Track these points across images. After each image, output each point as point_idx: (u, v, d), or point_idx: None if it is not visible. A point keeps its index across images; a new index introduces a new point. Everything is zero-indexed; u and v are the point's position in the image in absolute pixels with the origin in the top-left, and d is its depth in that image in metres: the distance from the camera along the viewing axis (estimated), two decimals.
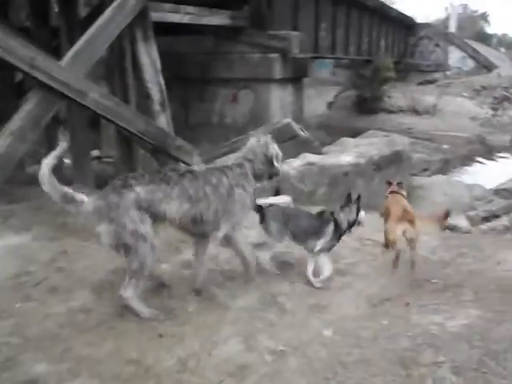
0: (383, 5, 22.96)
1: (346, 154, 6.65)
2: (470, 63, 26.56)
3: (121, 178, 3.09)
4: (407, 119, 22.28)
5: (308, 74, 11.69)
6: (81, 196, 2.97)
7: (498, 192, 6.25)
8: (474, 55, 26.40)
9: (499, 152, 18.44)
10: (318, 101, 22.95)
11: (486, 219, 5.98)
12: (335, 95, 23.71)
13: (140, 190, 2.99)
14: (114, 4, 5.50)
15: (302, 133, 7.76)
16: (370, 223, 5.77)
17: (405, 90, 23.52)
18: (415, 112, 22.58)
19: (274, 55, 10.86)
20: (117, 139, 6.77)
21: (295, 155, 7.30)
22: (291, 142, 7.67)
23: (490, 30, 56.83)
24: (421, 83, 24.81)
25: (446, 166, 8.62)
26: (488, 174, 13.46)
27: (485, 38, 45.42)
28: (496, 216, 5.96)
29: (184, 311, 3.13)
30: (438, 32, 27.16)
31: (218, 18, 10.00)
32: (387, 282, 4.12)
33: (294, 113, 10.50)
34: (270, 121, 9.54)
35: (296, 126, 7.73)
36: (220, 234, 3.29)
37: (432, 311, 3.26)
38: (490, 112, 21.05)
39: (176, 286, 3.46)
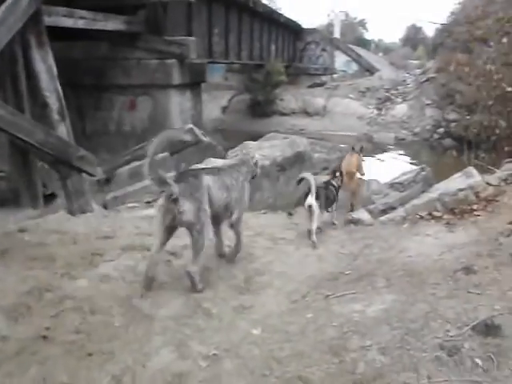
0: (273, 11, 23.78)
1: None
2: (354, 67, 28.33)
3: (190, 169, 4.09)
4: (299, 121, 23.23)
5: (205, 79, 11.79)
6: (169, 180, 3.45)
7: (393, 186, 6.74)
8: (358, 59, 28.21)
9: (386, 148, 19.88)
10: (212, 105, 23.10)
11: (384, 211, 6.42)
12: (229, 99, 24.07)
13: (207, 178, 3.70)
14: (3, 7, 5.12)
15: (204, 138, 7.79)
16: (280, 223, 5.99)
17: (296, 92, 24.50)
18: (306, 114, 23.59)
19: (172, 61, 10.84)
20: (10, 151, 6.33)
21: (199, 161, 7.32)
22: (194, 148, 7.69)
23: (367, 35, 61.07)
24: (310, 86, 25.96)
25: None
26: (379, 168, 14.52)
27: (364, 44, 48.64)
28: (393, 208, 6.42)
29: (110, 326, 3.03)
30: (324, 37, 28.63)
31: (112, 23, 9.73)
32: (303, 277, 4.32)
33: (193, 118, 10.53)
34: (171, 127, 9.47)
35: (198, 131, 7.75)
36: (234, 217, 4.16)
37: (351, 300, 3.46)
38: (375, 112, 22.62)
39: (98, 300, 3.33)
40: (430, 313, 3.03)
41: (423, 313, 3.01)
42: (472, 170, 6.44)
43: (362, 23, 64.18)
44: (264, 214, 6.45)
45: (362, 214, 5.96)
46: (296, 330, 3.07)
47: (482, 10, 14.83)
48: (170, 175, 3.60)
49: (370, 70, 27.93)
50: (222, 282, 4.03)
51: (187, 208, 3.50)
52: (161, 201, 3.58)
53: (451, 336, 2.72)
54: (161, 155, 5.80)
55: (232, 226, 4.30)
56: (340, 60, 28.28)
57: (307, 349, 2.77)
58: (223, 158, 7.52)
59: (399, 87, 25.19)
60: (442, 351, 2.59)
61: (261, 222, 6.00)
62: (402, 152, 19.53)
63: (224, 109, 23.66)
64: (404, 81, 26.67)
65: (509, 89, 6.70)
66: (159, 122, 10.35)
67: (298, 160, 6.59)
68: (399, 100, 23.43)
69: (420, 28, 67.40)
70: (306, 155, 6.81)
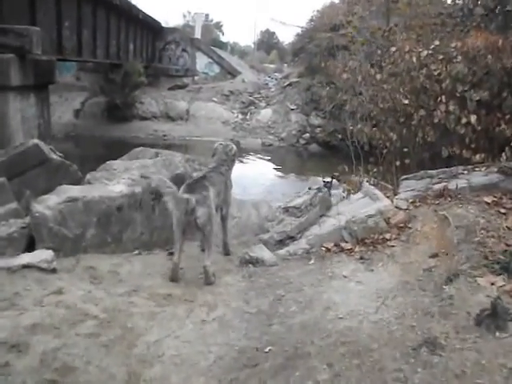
0: (131, 6, 21.76)
1: (115, 182, 5.33)
2: (216, 69, 27.51)
3: (197, 181, 4.57)
4: (162, 126, 21.74)
5: (55, 80, 9.73)
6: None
7: (288, 210, 5.79)
8: (220, 61, 27.44)
9: (252, 155, 19.32)
10: (62, 108, 20.62)
11: (281, 242, 5.46)
12: (82, 102, 21.62)
13: (211, 188, 4.46)
14: None
15: (54, 156, 6.12)
16: (159, 269, 4.67)
17: (157, 95, 22.93)
18: (169, 118, 22.19)
19: (9, 56, 8.65)
20: None
21: (47, 186, 5.69)
22: (41, 169, 5.98)
23: (223, 38, 61.18)
24: (171, 88, 24.56)
25: None
26: (249, 175, 13.77)
27: (220, 46, 48.35)
28: (291, 237, 5.49)
29: None
30: (185, 37, 27.35)
31: None
32: (209, 363, 3.14)
33: (40, 128, 8.55)
34: (10, 141, 7.47)
35: (46, 148, 6.04)
36: (224, 212, 5.01)
37: None
38: (240, 116, 22.00)
39: None
40: None
41: None
42: (374, 190, 5.77)
43: (218, 26, 64.27)
44: (138, 254, 5.09)
45: (261, 251, 4.90)
46: None
47: (343, 19, 14.92)
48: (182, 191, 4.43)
49: (232, 72, 27.36)
50: None
51: (202, 213, 4.27)
52: (177, 213, 4.28)
53: None
54: None
55: (222, 218, 5.03)
56: (201, 62, 27.25)
57: None
58: (78, 181, 5.95)
59: (262, 91, 24.99)
60: None
61: (136, 270, 4.65)
62: (268, 158, 19.12)
63: (77, 112, 21.15)
64: (266, 84, 26.60)
65: (405, 101, 6.16)
66: None
67: (178, 184, 5.33)
68: (263, 104, 23.14)
69: (273, 33, 69.57)
70: (186, 177, 5.55)
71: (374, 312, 3.49)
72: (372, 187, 5.86)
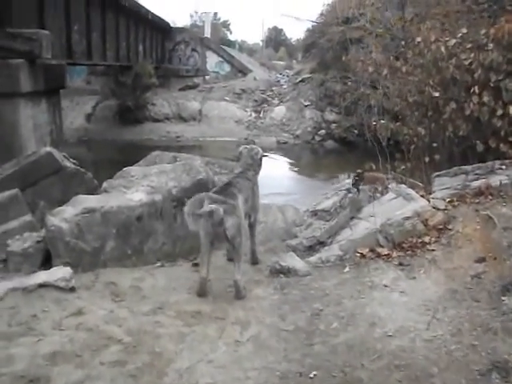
0: (140, 6, 21.45)
1: (134, 190, 5.04)
2: (227, 68, 27.18)
3: (223, 188, 4.24)
4: (174, 127, 21.48)
5: (65, 84, 9.45)
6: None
7: (316, 214, 5.46)
8: (230, 60, 27.11)
9: (269, 153, 18.97)
10: (74, 113, 20.46)
11: (310, 248, 5.13)
12: (94, 106, 21.45)
13: (239, 196, 4.16)
14: None
15: (68, 164, 5.86)
16: (185, 282, 4.38)
17: (168, 96, 22.67)
18: (181, 119, 21.93)
19: (19, 61, 8.33)
20: None
21: (62, 196, 5.45)
22: (55, 178, 5.74)
23: (231, 37, 60.87)
24: (182, 89, 24.30)
25: None
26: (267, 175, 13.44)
27: (228, 45, 48.04)
28: (321, 243, 5.16)
29: None
30: (195, 37, 27.05)
31: None
32: None
33: (52, 134, 8.28)
34: (22, 149, 7.21)
35: (59, 155, 5.79)
36: (252, 219, 4.63)
37: None
38: (254, 115, 21.67)
39: None
40: None
41: None
42: (408, 189, 5.41)
43: (226, 24, 63.97)
44: (160, 267, 4.80)
45: (292, 260, 4.58)
46: None
47: (356, 12, 14.53)
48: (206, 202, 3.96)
49: (242, 70, 27.02)
50: None
51: (231, 225, 3.92)
52: (206, 225, 3.92)
53: None
54: (8, 193, 5.09)
55: (250, 226, 4.65)
56: (212, 61, 26.93)
57: None
58: (94, 189, 5.69)
59: (274, 88, 24.62)
60: None
61: (159, 284, 4.35)
62: (284, 156, 18.77)
63: (89, 116, 20.98)
64: (278, 81, 26.22)
65: (435, 94, 5.79)
66: (5, 143, 7.65)
67: (200, 190, 5.04)
68: (276, 102, 22.77)
69: (281, 30, 69.11)
70: (209, 183, 5.25)
71: (425, 328, 3.17)
72: (404, 186, 5.50)
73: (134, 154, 15.52)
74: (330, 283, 4.20)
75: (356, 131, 17.69)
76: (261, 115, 21.69)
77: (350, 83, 12.20)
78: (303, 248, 5.13)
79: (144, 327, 3.59)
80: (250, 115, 21.74)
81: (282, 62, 43.93)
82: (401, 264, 4.36)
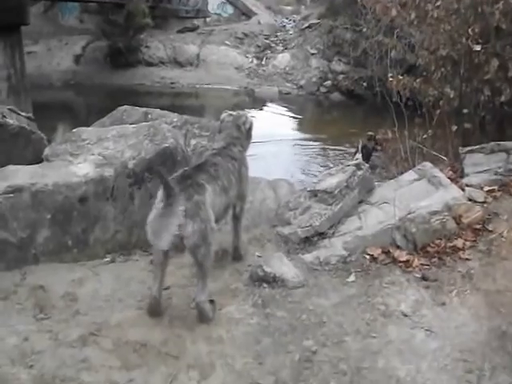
0: None
1: (82, 160, 3.88)
2: (229, 9, 25.15)
3: (189, 173, 3.00)
4: (169, 72, 19.89)
5: (26, 20, 7.84)
6: None
7: (316, 194, 4.30)
8: (233, 1, 25.03)
9: (268, 105, 17.63)
10: (61, 54, 18.91)
11: (306, 240, 4.02)
12: (84, 46, 19.77)
13: (209, 187, 2.98)
14: None
15: (10, 121, 4.67)
16: (136, 288, 3.29)
17: (164, 39, 20.93)
18: (177, 63, 20.31)
19: None
20: None
21: (4, 161, 4.30)
22: None
23: None
24: (181, 31, 22.48)
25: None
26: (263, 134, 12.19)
27: None
28: (320, 234, 4.05)
29: None
30: None
31: None
32: None
33: (10, 80, 6.93)
34: None
35: None
36: (237, 210, 3.53)
37: None
38: (255, 61, 20.03)
39: None
40: None
41: None
42: (433, 169, 4.24)
43: None
44: (110, 262, 3.71)
45: (280, 265, 3.47)
46: None
47: None
48: None
49: (246, 13, 25.02)
50: None
51: (191, 231, 2.78)
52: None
53: None
54: None
55: (235, 217, 3.58)
56: (214, 1, 24.86)
57: None
58: (41, 151, 4.52)
59: (279, 34, 22.80)
60: None
61: (102, 291, 3.29)
62: (285, 108, 17.38)
63: (78, 58, 19.35)
64: (283, 26, 24.34)
65: (477, 47, 4.51)
66: None
67: (166, 162, 3.91)
68: (280, 48, 21.05)
69: None
70: (177, 153, 4.08)
71: None
72: (430, 165, 4.32)
73: (124, 99, 14.22)
74: (329, 302, 3.13)
75: (365, 84, 16.25)
76: (263, 62, 20.04)
77: (364, 29, 10.76)
78: (297, 240, 4.04)
79: (63, 371, 2.55)
80: (252, 62, 20.09)
81: (289, 7, 41.38)
82: (424, 278, 3.28)
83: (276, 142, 11.49)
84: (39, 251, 3.53)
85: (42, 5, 21.26)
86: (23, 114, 5.48)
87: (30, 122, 5.64)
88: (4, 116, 4.67)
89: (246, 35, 21.28)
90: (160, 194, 2.83)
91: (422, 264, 3.41)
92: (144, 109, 5.53)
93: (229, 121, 3.55)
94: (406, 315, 2.88)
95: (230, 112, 3.67)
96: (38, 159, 4.42)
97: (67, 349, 2.73)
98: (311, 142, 11.81)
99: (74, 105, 17.38)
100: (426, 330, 2.71)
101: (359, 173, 4.37)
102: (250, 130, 3.59)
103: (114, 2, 18.40)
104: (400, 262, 3.47)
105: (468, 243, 3.49)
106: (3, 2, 6.80)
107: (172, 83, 18.87)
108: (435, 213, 3.60)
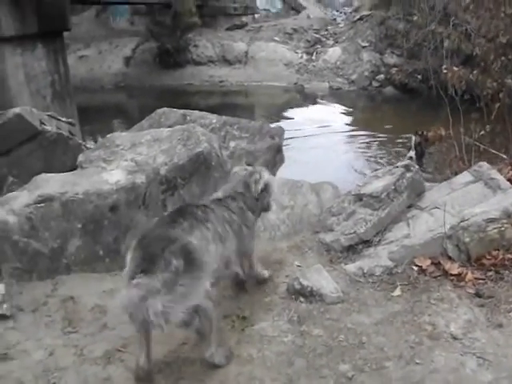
0: None
1: (113, 167, 3.77)
2: (278, 5, 24.85)
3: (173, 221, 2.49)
4: (218, 71, 19.85)
5: (68, 25, 7.83)
6: None
7: (361, 198, 4.01)
8: None
9: (318, 101, 17.24)
10: (112, 57, 19.27)
11: (350, 249, 3.76)
12: (133, 48, 20.07)
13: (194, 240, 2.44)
14: None
15: (48, 127, 4.68)
16: None
17: (212, 37, 20.92)
18: (226, 62, 20.23)
19: None
20: None
21: (44, 166, 4.37)
22: (32, 145, 4.60)
23: None
24: (229, 29, 22.43)
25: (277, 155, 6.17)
26: (311, 130, 11.89)
27: None
28: (365, 242, 3.77)
29: None
30: None
31: None
32: None
33: (54, 85, 7.00)
34: (12, 104, 6.05)
35: (35, 117, 4.60)
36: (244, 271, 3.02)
37: None
38: (305, 57, 19.62)
39: None
40: None
41: None
42: (490, 170, 3.86)
43: None
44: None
45: (318, 278, 3.23)
46: None
47: None
48: None
49: (295, 8, 24.63)
50: None
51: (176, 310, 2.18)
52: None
53: None
54: None
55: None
56: None
57: None
58: (79, 152, 4.51)
59: (329, 27, 22.28)
60: None
61: None
62: (336, 104, 16.92)
63: (128, 60, 19.69)
64: (334, 20, 23.81)
65: None
66: None
67: (200, 168, 3.74)
68: (331, 42, 20.54)
69: None
70: (212, 158, 3.91)
71: None
72: (487, 165, 3.93)
73: (173, 100, 14.30)
74: (370, 320, 2.86)
75: (419, 77, 15.53)
76: (313, 57, 19.60)
77: (415, 18, 10.20)
78: (340, 248, 3.79)
79: None
80: (301, 57, 19.70)
81: None
82: (478, 294, 2.95)
83: (325, 136, 11.21)
84: (71, 261, 3.47)
85: (94, 9, 21.79)
86: (63, 119, 5.51)
87: (72, 127, 5.68)
88: (43, 123, 4.69)
89: (295, 30, 20.94)
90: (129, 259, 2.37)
91: (476, 278, 3.08)
92: (182, 111, 5.41)
93: (239, 175, 3.14)
94: (455, 338, 2.58)
95: (246, 167, 3.31)
96: (76, 166, 4.41)
97: (91, 366, 2.63)
98: (362, 139, 11.36)
99: (124, 107, 17.66)
100: (479, 357, 2.40)
101: (408, 175, 4.06)
102: (264, 190, 3.04)
103: (162, 3, 18.51)
104: (451, 275, 3.16)
105: None
106: (45, 10, 6.84)
107: (221, 82, 18.83)
108: (492, 220, 3.24)
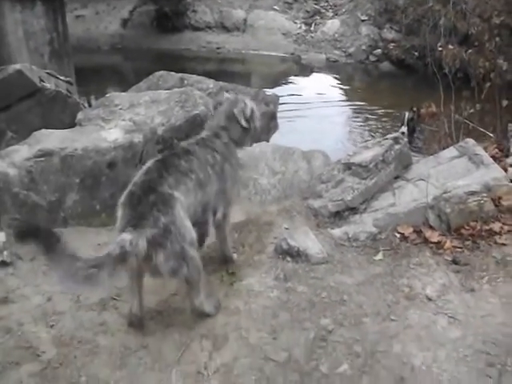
0: None
1: (111, 126, 3.87)
2: None
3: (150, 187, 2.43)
4: (216, 37, 19.62)
5: None
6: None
7: (350, 167, 4.15)
8: None
9: (314, 72, 17.18)
10: (109, 18, 18.94)
11: (337, 215, 3.91)
12: (131, 10, 19.76)
13: (180, 196, 2.47)
14: None
15: (47, 84, 4.75)
16: None
17: (211, 3, 20.61)
18: (224, 28, 19.99)
19: None
20: None
21: (42, 123, 4.44)
22: (31, 102, 4.67)
23: None
24: None
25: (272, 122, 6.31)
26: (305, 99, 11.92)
27: None
28: (352, 209, 3.93)
29: None
30: None
31: None
32: None
33: (53, 43, 6.99)
34: (11, 60, 6.04)
35: (34, 74, 4.65)
36: (218, 215, 2.89)
37: None
38: (304, 27, 19.46)
39: None
40: None
41: None
42: (477, 148, 4.00)
43: None
44: None
45: (305, 239, 3.38)
46: None
47: None
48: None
49: None
50: None
51: (165, 259, 2.34)
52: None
53: None
54: None
55: (217, 227, 3.01)
56: None
57: None
58: (77, 111, 4.59)
59: None
60: None
61: None
62: (331, 76, 16.90)
63: (125, 22, 19.38)
64: None
65: None
66: None
67: (196, 129, 3.84)
68: (330, 14, 20.34)
69: None
70: (208, 120, 4.02)
71: None
72: (473, 142, 4.07)
73: (170, 64, 14.17)
74: (352, 281, 3.03)
75: (416, 53, 15.52)
76: (311, 28, 19.44)
77: None
78: (327, 214, 3.93)
79: (81, 333, 2.60)
80: (300, 28, 19.52)
81: None
82: (455, 261, 3.13)
83: (320, 107, 11.24)
84: (68, 214, 3.60)
85: None
86: (62, 78, 5.54)
87: (70, 86, 5.72)
88: (42, 80, 4.75)
89: (295, 0, 20.68)
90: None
91: (454, 246, 3.24)
92: (180, 74, 5.47)
93: (223, 105, 3.02)
94: (430, 299, 2.76)
95: (228, 95, 3.15)
96: (74, 123, 4.49)
97: (87, 312, 2.78)
98: (356, 111, 11.45)
99: (121, 68, 17.48)
100: (450, 316, 2.59)
101: (397, 147, 4.18)
102: (249, 120, 2.97)
103: None
104: (431, 242, 3.32)
105: (506, 227, 3.29)
106: None
107: (218, 48, 18.65)
108: (473, 193, 3.39)
